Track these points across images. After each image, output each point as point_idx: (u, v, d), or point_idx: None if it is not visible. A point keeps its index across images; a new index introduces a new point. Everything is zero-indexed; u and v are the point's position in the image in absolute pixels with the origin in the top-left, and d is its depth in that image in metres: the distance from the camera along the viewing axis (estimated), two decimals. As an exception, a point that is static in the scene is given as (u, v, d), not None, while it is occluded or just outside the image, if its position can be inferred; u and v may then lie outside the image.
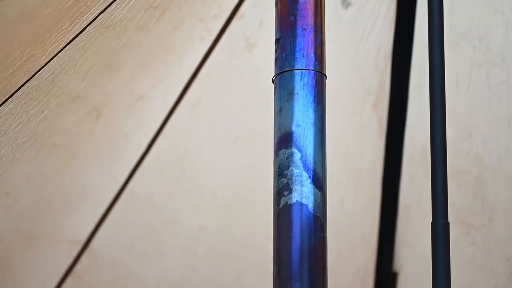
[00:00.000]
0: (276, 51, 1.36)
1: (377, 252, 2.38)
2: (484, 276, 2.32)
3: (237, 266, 2.27)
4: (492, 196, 2.18)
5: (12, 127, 1.73)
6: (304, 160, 1.32)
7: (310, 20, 1.35)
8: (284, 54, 1.34)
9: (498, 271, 2.29)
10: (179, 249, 2.23)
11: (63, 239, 2.22)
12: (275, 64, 1.35)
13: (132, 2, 1.68)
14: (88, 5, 1.56)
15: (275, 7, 1.38)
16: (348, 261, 2.38)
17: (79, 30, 1.62)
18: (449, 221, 1.35)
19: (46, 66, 1.62)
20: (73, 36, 1.61)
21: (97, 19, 1.63)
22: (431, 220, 1.36)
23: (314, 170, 1.33)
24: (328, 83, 1.34)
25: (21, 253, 2.16)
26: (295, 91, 1.31)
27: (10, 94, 1.61)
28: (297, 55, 1.33)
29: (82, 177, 2.06)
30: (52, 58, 1.61)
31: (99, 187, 2.12)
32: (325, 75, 1.35)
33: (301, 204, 1.36)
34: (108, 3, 1.62)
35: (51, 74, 1.68)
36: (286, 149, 1.31)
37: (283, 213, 1.37)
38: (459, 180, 2.25)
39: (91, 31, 1.65)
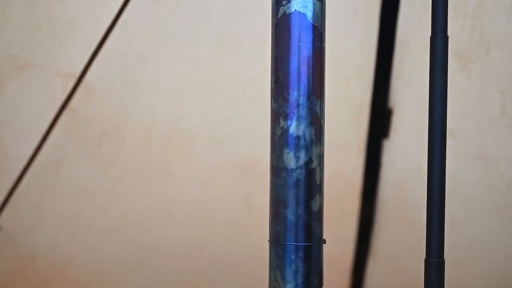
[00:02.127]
0: None
1: (373, 88, 2.38)
2: (478, 110, 2.34)
3: (232, 97, 2.28)
4: (490, 26, 2.15)
5: None
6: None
7: None
8: None
9: (492, 104, 2.30)
10: (174, 81, 2.22)
11: (57, 71, 2.20)
12: None
13: None
14: None
15: None
16: (343, 97, 2.39)
17: None
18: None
19: None
20: None
21: None
22: (428, 56, 1.34)
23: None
24: None
25: (16, 82, 2.14)
26: None
27: None
28: None
29: (73, 4, 2.01)
30: None
31: (92, 17, 2.07)
32: None
33: (300, 13, 1.34)
34: None
35: None
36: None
37: (281, 23, 1.35)
38: (458, 11, 2.21)
39: None
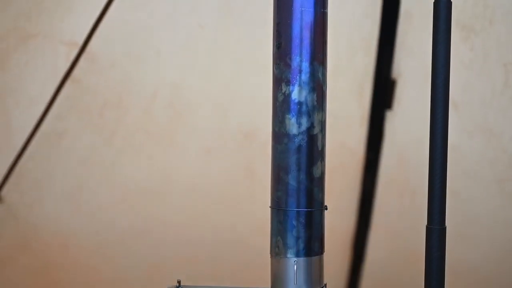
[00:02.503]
0: None
1: (376, 58, 2.37)
2: (481, 82, 2.33)
3: (234, 65, 2.28)
4: (494, -3, 2.14)
5: None
6: None
7: None
8: None
9: (495, 76, 2.29)
10: (177, 49, 2.22)
11: (61, 40, 2.20)
12: None
13: None
14: None
15: None
16: (346, 67, 2.38)
17: None
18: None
19: None
20: None
21: None
22: (432, 27, 1.34)
23: None
24: None
25: (21, 53, 2.14)
26: None
27: None
28: None
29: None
30: None
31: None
32: None
33: (302, -22, 1.33)
34: None
35: None
36: None
37: (284, -15, 1.35)
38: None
39: None
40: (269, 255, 1.52)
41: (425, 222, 1.51)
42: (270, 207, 1.48)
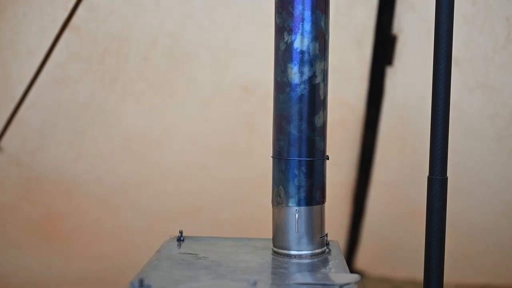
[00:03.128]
0: None
1: (377, 12, 2.35)
2: (483, 37, 2.32)
3: (236, 15, 2.25)
4: None
5: None
6: None
7: None
8: None
9: (497, 30, 2.28)
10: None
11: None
12: None
13: None
14: None
15: None
16: (346, 21, 2.35)
17: None
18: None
19: None
20: None
21: None
22: None
23: None
24: None
25: (18, 4, 2.12)
26: None
27: None
28: None
29: None
30: None
31: None
32: None
33: None
34: None
35: None
36: None
37: None
38: None
39: None
40: (268, 207, 1.53)
41: (425, 177, 1.51)
42: (271, 156, 1.49)
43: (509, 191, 2.54)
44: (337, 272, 1.31)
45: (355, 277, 1.23)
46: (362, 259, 2.81)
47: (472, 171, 2.50)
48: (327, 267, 1.36)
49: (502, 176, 2.51)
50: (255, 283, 1.20)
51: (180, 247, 1.50)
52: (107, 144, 2.46)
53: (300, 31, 1.40)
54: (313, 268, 1.35)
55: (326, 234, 1.49)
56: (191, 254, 1.43)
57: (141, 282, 1.14)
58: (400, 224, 2.59)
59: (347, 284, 1.16)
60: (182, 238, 1.57)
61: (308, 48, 1.41)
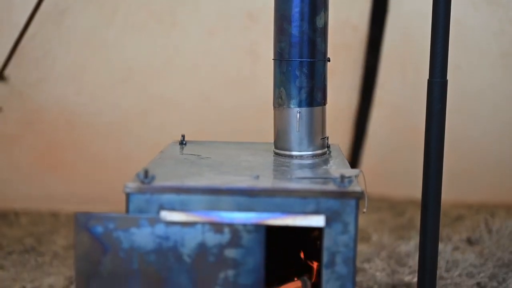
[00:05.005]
0: None
1: None
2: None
3: None
4: None
5: None
6: None
7: None
8: None
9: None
10: None
11: None
12: None
13: None
14: None
15: None
16: None
17: None
18: None
19: None
20: None
21: None
22: None
23: None
24: None
25: None
26: None
27: None
28: None
29: None
30: None
31: None
32: None
33: None
34: None
35: None
36: None
37: None
38: None
39: None
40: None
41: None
42: (273, 59, 1.48)
43: (509, 109, 2.54)
44: (338, 168, 1.33)
45: (356, 171, 1.25)
46: (362, 179, 2.82)
47: (475, 89, 2.50)
48: (328, 165, 1.37)
49: (505, 94, 2.51)
50: (257, 177, 1.22)
51: (182, 150, 1.52)
52: (108, 76, 2.46)
53: None
54: (314, 166, 1.37)
55: (327, 138, 1.51)
56: (194, 155, 1.45)
57: (146, 173, 1.16)
58: (401, 145, 2.61)
59: (348, 177, 1.17)
60: (184, 142, 1.59)
61: None
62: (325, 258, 1.15)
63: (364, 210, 1.27)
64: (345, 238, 1.15)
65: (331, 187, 1.16)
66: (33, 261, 2.13)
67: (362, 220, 2.41)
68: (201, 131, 2.57)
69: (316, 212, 1.14)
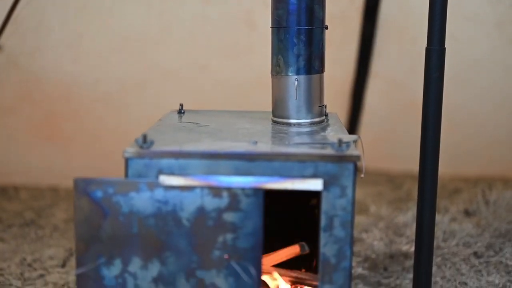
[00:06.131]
0: None
1: None
2: None
3: None
4: None
5: None
6: None
7: None
8: None
9: None
10: None
11: None
12: None
13: None
14: None
15: None
16: None
17: None
18: None
19: None
20: None
21: None
22: None
23: None
24: None
25: None
26: None
27: None
28: None
29: None
30: None
31: None
32: None
33: None
34: None
35: None
36: None
37: None
38: None
39: None
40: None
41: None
42: (271, 27, 1.48)
43: (509, 80, 2.54)
44: (336, 134, 1.33)
45: (354, 136, 1.25)
46: (360, 145, 2.82)
47: (472, 59, 2.50)
48: (326, 132, 1.38)
49: (502, 65, 2.51)
50: (255, 142, 1.23)
51: (181, 118, 1.52)
52: (105, 45, 2.45)
53: None
54: (312, 133, 1.37)
55: (325, 106, 1.51)
56: (192, 123, 1.46)
57: (144, 138, 1.16)
58: (399, 117, 2.61)
59: (346, 142, 1.18)
60: (182, 111, 1.59)
61: None
62: (323, 221, 1.16)
63: (362, 175, 1.28)
64: (343, 202, 1.16)
65: (329, 151, 1.16)
66: (33, 234, 2.14)
67: (360, 192, 2.43)
68: (198, 101, 2.58)
69: (314, 176, 1.15)
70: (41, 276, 1.81)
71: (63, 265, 1.89)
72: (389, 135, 2.69)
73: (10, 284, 1.74)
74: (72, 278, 1.78)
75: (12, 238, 2.10)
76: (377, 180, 2.71)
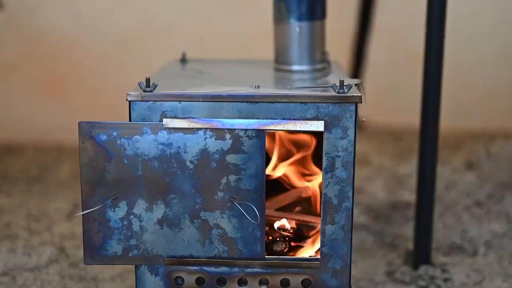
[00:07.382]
0: None
1: None
2: None
3: None
4: None
5: None
6: None
7: None
8: None
9: None
10: None
11: None
12: None
13: None
14: None
15: None
16: None
17: None
18: None
19: None
20: None
21: None
22: None
23: None
24: None
25: None
26: None
27: None
28: None
29: None
30: None
31: None
32: None
33: None
34: None
35: None
36: None
37: None
38: None
39: None
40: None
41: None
42: (271, -27, 1.48)
43: (509, 32, 2.53)
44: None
45: (356, 80, 1.26)
46: (362, 107, 2.82)
47: (472, 11, 2.49)
48: (328, 77, 1.38)
49: (503, 17, 2.50)
50: (258, 86, 1.23)
51: (183, 66, 1.53)
52: (105, 1, 2.45)
53: None
54: (314, 78, 1.38)
55: (327, 53, 1.51)
56: (195, 70, 1.46)
57: (147, 81, 1.17)
58: (401, 71, 2.61)
59: (347, 84, 1.18)
60: (185, 60, 1.60)
61: None
62: (324, 162, 1.18)
63: (363, 119, 1.29)
64: (345, 143, 1.17)
65: (330, 92, 1.17)
66: (38, 189, 2.16)
67: (362, 145, 2.44)
68: (200, 55, 2.58)
69: (316, 117, 1.16)
70: (47, 228, 1.83)
71: (69, 217, 1.91)
72: (391, 89, 2.68)
73: (18, 236, 1.77)
74: (78, 230, 1.80)
75: (18, 193, 2.12)
76: (379, 133, 2.71)
